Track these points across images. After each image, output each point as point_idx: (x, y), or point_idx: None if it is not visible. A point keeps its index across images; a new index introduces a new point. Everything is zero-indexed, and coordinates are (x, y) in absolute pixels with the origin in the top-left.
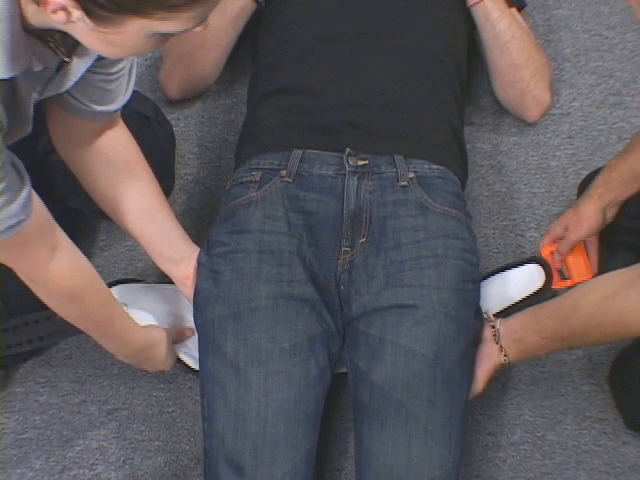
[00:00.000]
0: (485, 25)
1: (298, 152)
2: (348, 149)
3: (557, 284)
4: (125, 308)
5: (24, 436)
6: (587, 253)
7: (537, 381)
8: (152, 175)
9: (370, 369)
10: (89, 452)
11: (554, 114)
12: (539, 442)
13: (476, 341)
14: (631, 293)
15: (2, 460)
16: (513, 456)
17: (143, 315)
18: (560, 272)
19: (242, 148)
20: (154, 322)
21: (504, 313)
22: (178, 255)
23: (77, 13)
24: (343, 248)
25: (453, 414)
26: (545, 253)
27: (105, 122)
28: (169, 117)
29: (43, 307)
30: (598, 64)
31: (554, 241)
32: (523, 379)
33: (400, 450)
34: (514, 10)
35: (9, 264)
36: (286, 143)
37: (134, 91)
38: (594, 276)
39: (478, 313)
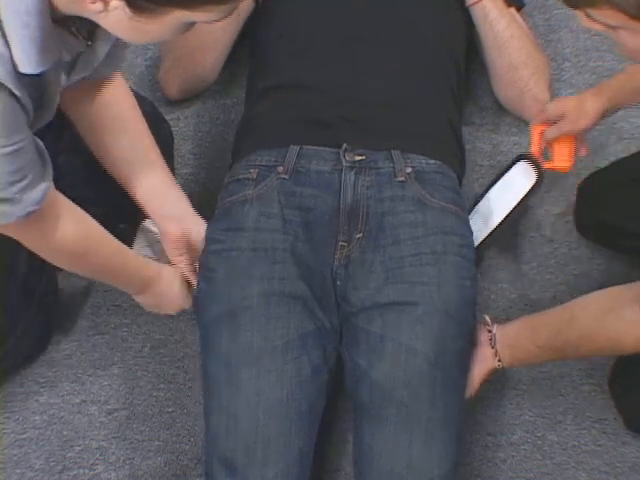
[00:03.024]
0: (484, 25)
1: (295, 148)
2: (345, 144)
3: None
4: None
5: (24, 436)
6: (574, 142)
7: (537, 381)
8: (147, 129)
9: (370, 367)
10: (89, 452)
11: None
12: (539, 442)
13: (472, 340)
14: (625, 312)
15: (2, 460)
16: (513, 456)
17: None
18: (544, 152)
19: (239, 144)
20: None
21: (509, 219)
22: (170, 212)
23: (116, 3)
24: (340, 243)
25: (452, 414)
26: (534, 132)
27: (107, 77)
28: (169, 117)
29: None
30: (598, 64)
31: (545, 122)
32: (523, 379)
33: (401, 449)
34: (513, 10)
35: (16, 238)
36: (283, 139)
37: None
38: (573, 164)
39: (474, 311)
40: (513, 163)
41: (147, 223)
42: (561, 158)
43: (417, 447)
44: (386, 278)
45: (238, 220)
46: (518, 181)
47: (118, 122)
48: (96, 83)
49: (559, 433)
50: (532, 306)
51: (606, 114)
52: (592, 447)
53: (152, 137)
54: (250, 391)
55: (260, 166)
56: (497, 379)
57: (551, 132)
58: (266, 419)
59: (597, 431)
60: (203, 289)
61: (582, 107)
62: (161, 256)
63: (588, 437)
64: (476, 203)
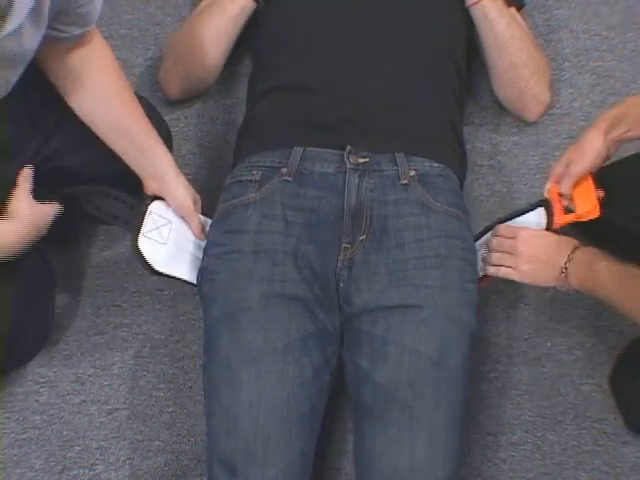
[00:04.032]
0: (484, 25)
1: (299, 150)
2: (349, 146)
3: (560, 219)
4: (171, 224)
5: (24, 436)
6: (594, 186)
7: (537, 381)
8: (128, 87)
9: (374, 369)
10: (89, 452)
11: (554, 114)
12: (539, 442)
13: (474, 343)
14: None
15: (2, 460)
16: (513, 456)
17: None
18: (566, 208)
19: (241, 145)
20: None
21: None
22: (152, 171)
23: None
24: (343, 245)
25: (456, 415)
26: (552, 194)
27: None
28: (169, 117)
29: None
30: (598, 64)
31: (558, 182)
32: (523, 379)
33: (404, 451)
34: (513, 10)
35: None
36: (286, 140)
37: None
38: (600, 205)
39: (476, 314)
40: (534, 207)
41: (154, 206)
42: (583, 206)
43: (420, 448)
44: (390, 281)
45: (240, 223)
46: (533, 225)
47: (93, 81)
48: (68, 43)
49: (559, 433)
50: (532, 306)
51: (613, 143)
52: (592, 447)
53: (132, 93)
54: (251, 392)
55: (264, 167)
56: (497, 379)
57: (565, 183)
58: (267, 420)
59: (597, 431)
60: (206, 291)
61: (582, 144)
62: (168, 239)
63: (588, 437)
64: (482, 234)
